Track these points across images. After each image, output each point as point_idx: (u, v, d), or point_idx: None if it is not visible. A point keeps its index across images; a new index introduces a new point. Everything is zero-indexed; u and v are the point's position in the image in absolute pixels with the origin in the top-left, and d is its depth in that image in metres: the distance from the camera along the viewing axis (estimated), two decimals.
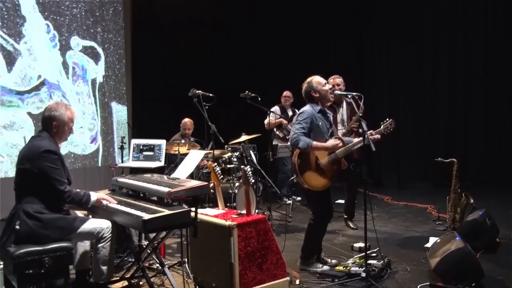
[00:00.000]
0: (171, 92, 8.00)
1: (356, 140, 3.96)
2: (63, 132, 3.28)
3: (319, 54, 9.19)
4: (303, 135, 3.79)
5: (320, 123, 3.90)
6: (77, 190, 3.25)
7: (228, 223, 3.24)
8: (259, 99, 5.54)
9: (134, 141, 5.10)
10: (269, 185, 5.78)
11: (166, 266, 3.54)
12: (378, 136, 4.00)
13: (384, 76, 8.80)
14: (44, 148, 3.10)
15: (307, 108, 3.95)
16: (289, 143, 6.50)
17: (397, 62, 8.57)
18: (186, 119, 6.23)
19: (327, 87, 3.99)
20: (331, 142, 3.87)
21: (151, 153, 4.98)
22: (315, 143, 3.80)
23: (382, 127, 4.01)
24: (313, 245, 4.05)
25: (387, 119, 4.05)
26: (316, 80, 3.97)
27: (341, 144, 3.86)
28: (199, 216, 3.21)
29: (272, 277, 3.37)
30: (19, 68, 6.62)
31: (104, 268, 3.26)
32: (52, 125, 3.23)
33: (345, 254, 4.35)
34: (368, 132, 3.90)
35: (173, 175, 3.68)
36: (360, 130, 3.70)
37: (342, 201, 6.70)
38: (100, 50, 7.73)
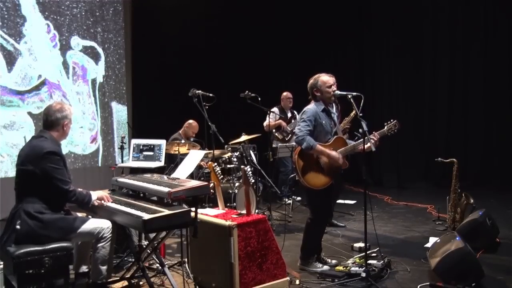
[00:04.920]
0: (171, 92, 8.00)
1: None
2: (68, 130, 3.37)
3: (319, 54, 9.18)
4: (308, 134, 3.77)
5: (323, 122, 3.88)
6: (80, 189, 3.27)
7: (228, 223, 3.24)
8: (259, 99, 5.54)
9: (134, 141, 5.11)
10: (269, 185, 5.78)
11: (166, 266, 3.55)
12: (376, 137, 3.94)
13: (384, 76, 8.79)
14: (46, 149, 3.11)
15: (310, 106, 3.94)
16: (289, 144, 6.59)
17: (397, 62, 8.56)
18: (195, 122, 6.16)
19: (332, 89, 3.88)
20: (334, 153, 3.80)
21: (151, 153, 4.99)
22: (318, 147, 3.78)
23: (385, 128, 3.94)
24: (312, 245, 4.04)
25: (391, 120, 3.96)
26: (323, 79, 3.90)
27: (342, 161, 3.81)
28: (199, 216, 3.21)
29: (272, 277, 3.38)
30: (19, 68, 6.62)
31: (103, 268, 3.26)
32: (64, 125, 3.30)
33: (345, 254, 4.35)
34: (371, 135, 3.88)
35: (173, 175, 3.68)
36: (360, 130, 3.68)
37: (343, 201, 6.73)
38: (100, 50, 7.72)
